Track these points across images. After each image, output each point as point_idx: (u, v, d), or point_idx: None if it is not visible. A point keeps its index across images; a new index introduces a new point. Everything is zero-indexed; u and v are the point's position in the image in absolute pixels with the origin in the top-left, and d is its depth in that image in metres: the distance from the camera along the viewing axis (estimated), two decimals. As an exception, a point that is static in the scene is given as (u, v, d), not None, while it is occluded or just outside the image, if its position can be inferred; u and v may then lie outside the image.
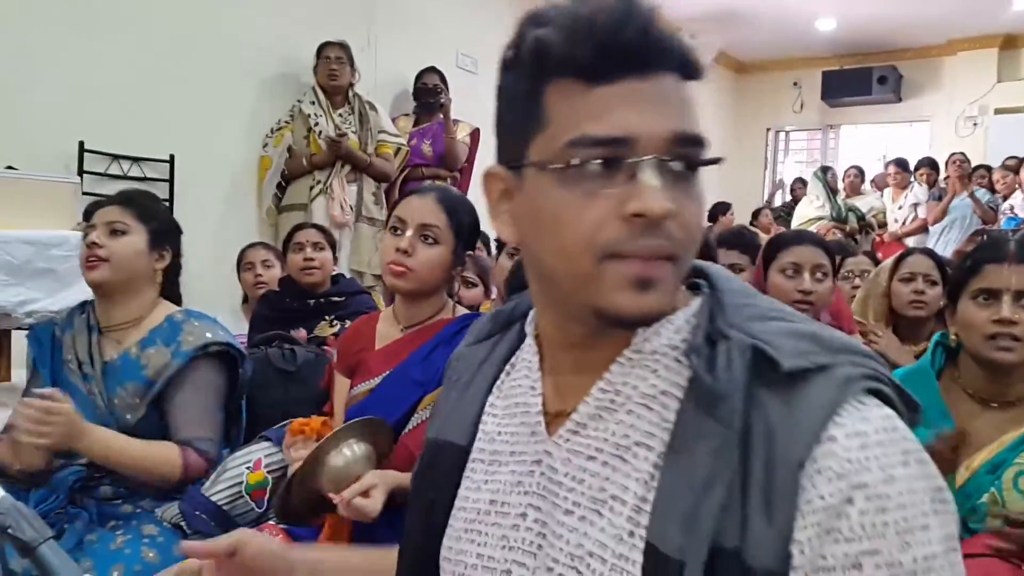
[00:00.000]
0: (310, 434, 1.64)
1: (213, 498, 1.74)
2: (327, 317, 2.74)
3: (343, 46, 4.50)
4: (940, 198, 6.72)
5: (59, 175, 3.32)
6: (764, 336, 0.69)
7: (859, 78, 9.06)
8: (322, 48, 4.49)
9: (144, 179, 4.02)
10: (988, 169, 6.99)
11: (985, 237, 4.29)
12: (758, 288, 2.18)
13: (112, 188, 3.84)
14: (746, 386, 0.66)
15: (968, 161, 6.81)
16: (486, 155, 4.92)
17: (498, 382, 0.86)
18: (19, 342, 2.42)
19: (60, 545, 0.94)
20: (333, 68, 4.44)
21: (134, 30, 4.00)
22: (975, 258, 1.62)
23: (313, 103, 4.48)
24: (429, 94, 4.90)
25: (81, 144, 3.84)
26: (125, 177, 3.98)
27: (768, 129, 10.24)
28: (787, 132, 10.43)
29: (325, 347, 2.51)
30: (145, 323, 1.87)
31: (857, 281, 3.12)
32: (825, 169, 7.47)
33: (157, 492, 1.78)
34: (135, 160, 4.04)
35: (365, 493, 1.43)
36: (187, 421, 1.80)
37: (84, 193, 3.46)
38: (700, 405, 0.68)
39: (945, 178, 6.91)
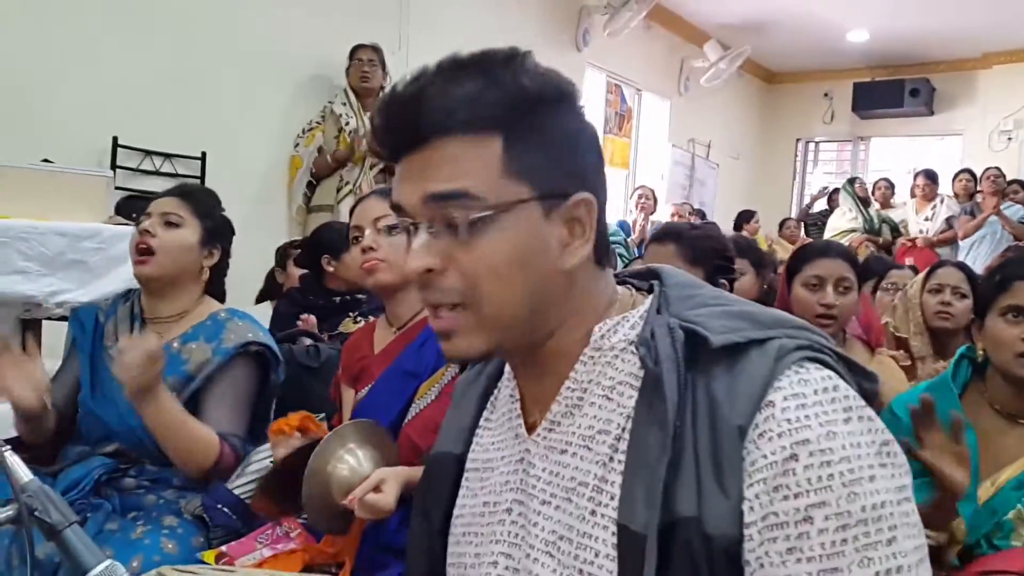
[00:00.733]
0: (290, 432, 1.63)
1: (236, 491, 1.75)
2: (351, 313, 2.75)
3: (375, 48, 4.54)
4: (972, 212, 6.62)
5: (93, 169, 3.38)
6: (698, 320, 0.75)
7: (891, 90, 8.97)
8: (355, 50, 4.53)
9: (175, 175, 4.08)
10: (1022, 184, 6.88)
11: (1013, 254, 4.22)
12: (782, 301, 2.16)
13: (144, 183, 3.91)
14: (682, 365, 0.72)
15: (1003, 176, 6.72)
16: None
17: (492, 397, 0.91)
18: (49, 332, 2.45)
19: (82, 533, 0.95)
20: (365, 70, 4.48)
21: (169, 30, 4.06)
22: (1004, 274, 1.59)
23: (344, 104, 4.52)
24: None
25: (115, 139, 3.90)
26: (157, 173, 4.04)
27: (798, 140, 10.17)
28: (817, 143, 10.35)
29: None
30: (188, 318, 1.89)
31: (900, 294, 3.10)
32: (852, 180, 7.39)
33: (181, 483, 1.80)
34: (167, 156, 4.10)
35: (376, 488, 1.40)
36: (221, 416, 1.81)
37: (116, 188, 3.52)
38: (649, 390, 0.73)
39: (979, 191, 6.82)
